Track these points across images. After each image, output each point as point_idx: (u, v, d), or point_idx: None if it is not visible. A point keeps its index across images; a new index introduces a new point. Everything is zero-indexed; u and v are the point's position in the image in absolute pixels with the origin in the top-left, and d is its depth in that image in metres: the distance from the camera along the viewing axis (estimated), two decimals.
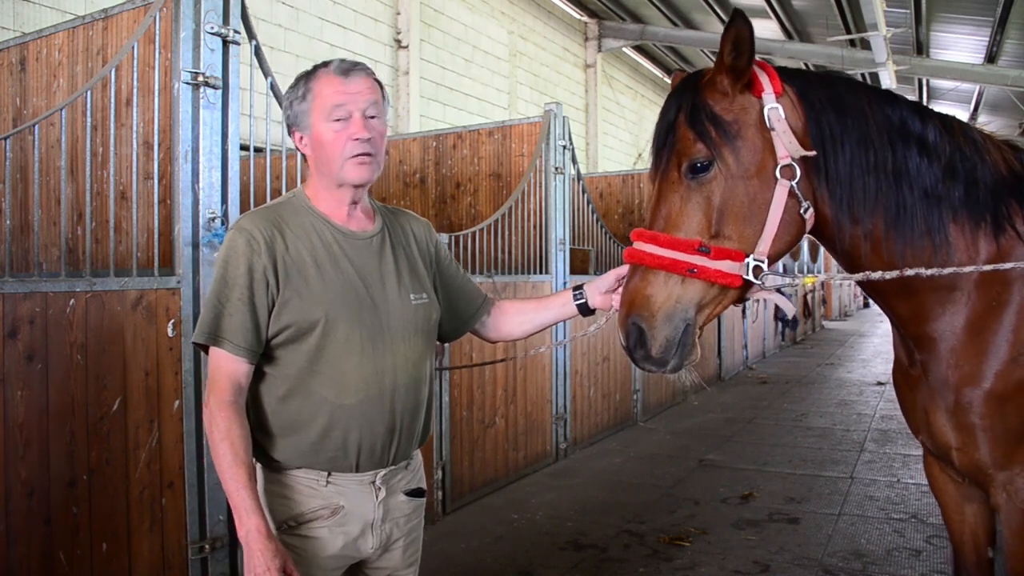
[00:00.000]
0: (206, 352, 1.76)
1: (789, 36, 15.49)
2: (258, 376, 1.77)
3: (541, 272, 6.10)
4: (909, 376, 2.09)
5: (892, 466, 5.86)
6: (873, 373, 11.01)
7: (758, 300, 1.87)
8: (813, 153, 1.79)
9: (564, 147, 6.23)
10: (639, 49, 17.73)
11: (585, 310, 2.09)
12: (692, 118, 1.79)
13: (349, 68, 1.78)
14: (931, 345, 1.95)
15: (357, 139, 1.75)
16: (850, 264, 1.95)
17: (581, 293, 2.08)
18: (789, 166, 1.77)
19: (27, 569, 2.74)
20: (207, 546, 3.29)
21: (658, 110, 1.93)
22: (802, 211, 1.80)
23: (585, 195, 7.16)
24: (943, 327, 1.92)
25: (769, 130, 1.78)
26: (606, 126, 16.67)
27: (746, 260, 1.74)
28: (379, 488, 1.83)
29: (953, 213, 1.86)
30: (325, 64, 1.80)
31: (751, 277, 1.74)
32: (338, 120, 1.75)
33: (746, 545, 4.25)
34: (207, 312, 1.72)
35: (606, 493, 5.29)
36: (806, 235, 1.92)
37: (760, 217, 1.77)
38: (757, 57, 1.83)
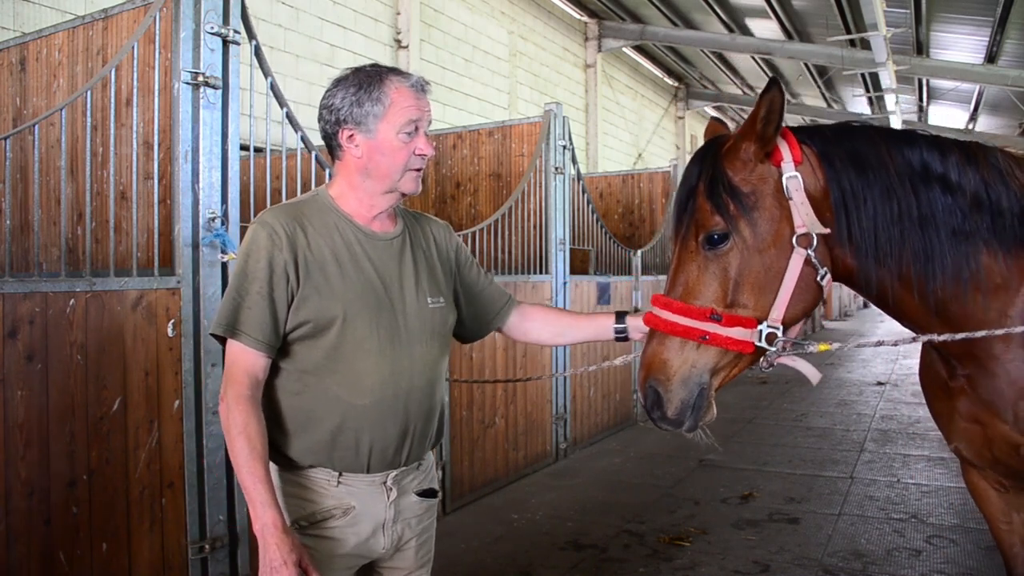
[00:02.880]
0: (222, 344, 1.75)
1: (789, 36, 15.48)
2: (273, 371, 1.77)
3: (541, 272, 6.09)
4: (948, 388, 2.08)
5: (892, 466, 5.86)
6: (873, 373, 11.01)
7: (776, 364, 1.88)
8: (827, 231, 1.79)
9: (564, 147, 6.23)
10: (639, 49, 17.71)
11: (622, 339, 2.12)
12: (711, 189, 1.81)
13: (424, 85, 1.82)
14: (978, 362, 1.95)
15: (423, 155, 1.80)
16: (881, 303, 1.96)
17: (624, 328, 2.09)
18: (806, 235, 1.79)
19: (27, 569, 2.74)
20: (207, 546, 3.29)
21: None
22: (819, 278, 1.81)
23: (585, 195, 7.16)
24: (990, 344, 1.91)
25: (787, 199, 1.80)
26: (606, 126, 16.66)
27: (759, 327, 1.77)
28: (390, 488, 1.83)
29: (985, 244, 1.86)
30: (394, 72, 1.80)
31: (764, 344, 1.77)
32: (408, 133, 1.78)
33: (746, 545, 4.25)
34: (226, 304, 1.72)
35: (606, 493, 5.29)
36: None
37: (774, 285, 1.79)
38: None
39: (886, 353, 13.31)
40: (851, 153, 1.86)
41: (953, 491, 5.16)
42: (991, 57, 14.66)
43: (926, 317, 1.91)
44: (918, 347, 2.19)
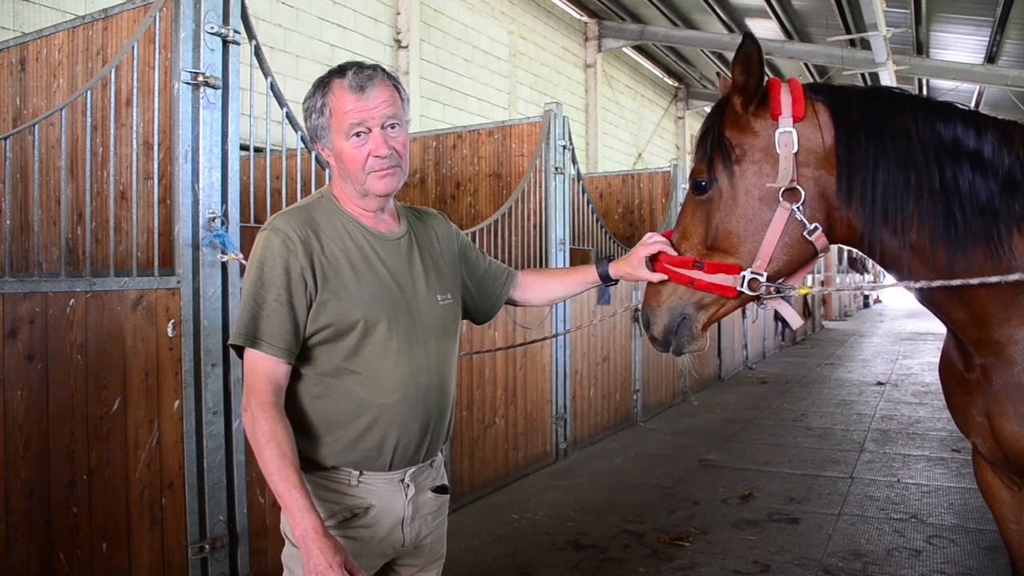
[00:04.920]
0: (240, 355, 1.74)
1: (789, 36, 15.49)
2: (293, 375, 1.76)
3: None
4: (964, 380, 2.05)
5: (892, 466, 5.86)
6: (873, 373, 11.01)
7: (767, 306, 2.03)
8: (790, 183, 1.82)
9: (564, 147, 6.23)
10: (639, 49, 17.72)
11: (606, 279, 2.17)
12: (703, 139, 1.95)
13: (364, 82, 1.73)
14: (998, 349, 1.90)
15: (378, 156, 1.74)
16: (893, 271, 1.96)
17: (606, 272, 2.14)
18: (793, 190, 1.83)
19: (27, 569, 2.74)
20: (207, 546, 3.29)
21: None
22: (806, 233, 1.86)
23: (585, 195, 7.16)
24: (1013, 331, 1.87)
25: (777, 154, 1.84)
26: (606, 126, 16.67)
27: (742, 273, 1.87)
28: (408, 486, 1.84)
29: (1016, 225, 1.82)
30: (341, 73, 1.75)
31: (746, 289, 1.87)
32: (357, 136, 1.74)
33: (746, 545, 4.25)
34: (244, 313, 1.71)
35: (606, 493, 5.29)
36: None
37: (757, 236, 1.87)
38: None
39: (886, 353, 13.30)
40: (870, 116, 1.85)
41: (953, 491, 5.17)
42: (991, 57, 14.67)
43: (940, 291, 1.88)
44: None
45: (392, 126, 1.77)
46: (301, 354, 1.75)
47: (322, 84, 1.78)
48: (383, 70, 1.79)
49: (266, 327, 1.68)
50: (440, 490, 1.95)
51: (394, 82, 1.80)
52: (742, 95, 1.87)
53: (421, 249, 1.92)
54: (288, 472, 1.62)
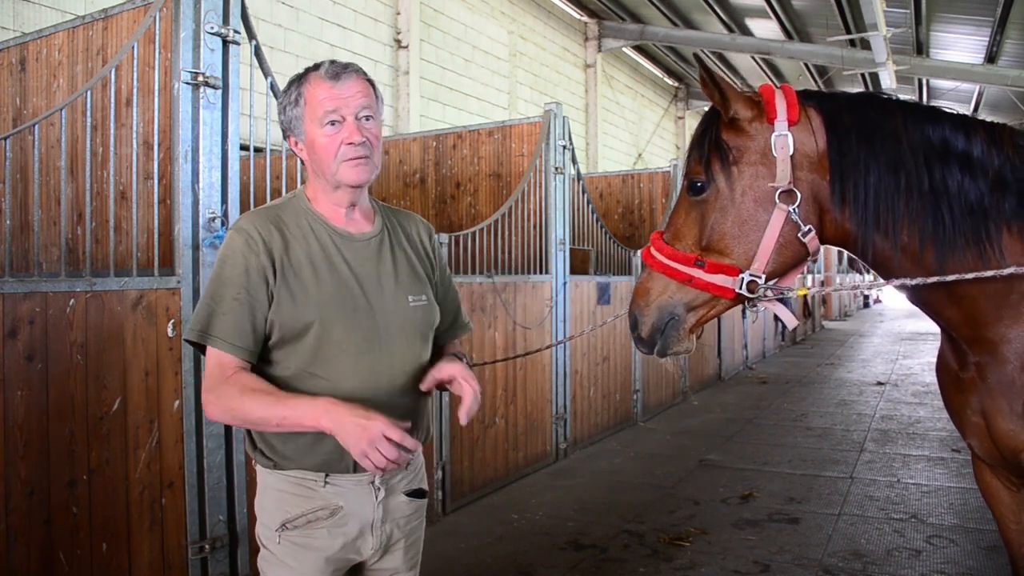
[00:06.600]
0: (200, 351, 1.75)
1: (789, 36, 15.50)
2: None
3: (541, 272, 6.10)
4: (959, 379, 2.06)
5: (892, 466, 5.86)
6: (873, 373, 11.01)
7: (760, 309, 2.03)
8: (788, 185, 1.86)
9: (564, 147, 6.23)
10: (639, 49, 17.73)
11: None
12: (700, 140, 1.97)
13: (339, 71, 1.76)
14: (991, 348, 1.92)
15: (351, 143, 1.75)
16: (884, 272, 1.98)
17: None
18: (789, 192, 1.87)
19: (27, 569, 2.74)
20: (207, 546, 3.29)
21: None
22: (801, 235, 1.89)
23: (585, 195, 7.16)
24: (1005, 330, 1.89)
25: (774, 157, 1.89)
26: (606, 126, 16.67)
27: (740, 275, 1.90)
28: (378, 488, 1.82)
29: (1006, 224, 1.84)
30: (316, 67, 1.78)
31: (745, 291, 1.90)
32: (331, 124, 1.75)
33: (746, 545, 4.25)
34: (201, 310, 1.72)
35: (606, 493, 5.29)
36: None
37: (754, 237, 1.90)
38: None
39: (886, 353, 13.30)
40: (861, 121, 1.89)
41: (953, 491, 5.17)
42: (991, 57, 14.68)
43: (933, 291, 1.91)
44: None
45: (367, 118, 1.78)
46: (262, 356, 1.75)
47: (298, 78, 1.81)
48: (359, 67, 1.83)
49: (221, 324, 1.69)
50: (416, 494, 1.91)
51: (369, 79, 1.83)
52: (721, 105, 1.93)
53: (394, 249, 1.90)
54: (276, 399, 1.63)
